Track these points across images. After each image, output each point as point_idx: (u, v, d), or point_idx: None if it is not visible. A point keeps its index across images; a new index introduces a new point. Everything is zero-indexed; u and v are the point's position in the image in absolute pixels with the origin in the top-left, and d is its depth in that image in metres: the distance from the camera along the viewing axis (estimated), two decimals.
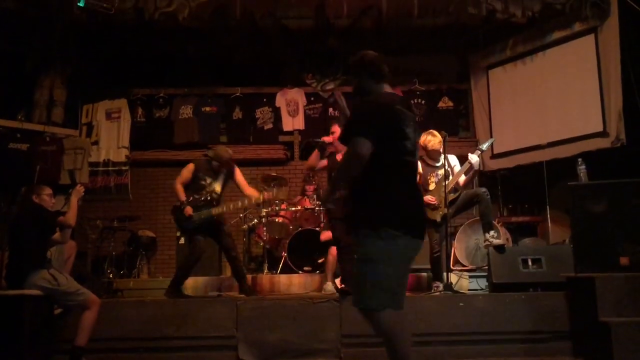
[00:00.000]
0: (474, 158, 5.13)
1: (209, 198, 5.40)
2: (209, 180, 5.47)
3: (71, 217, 4.44)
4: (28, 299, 4.14)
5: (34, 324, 4.20)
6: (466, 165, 5.22)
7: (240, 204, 5.54)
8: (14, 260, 4.33)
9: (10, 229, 4.47)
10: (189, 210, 5.29)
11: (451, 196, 5.17)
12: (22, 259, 4.25)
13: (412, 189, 2.87)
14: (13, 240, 4.41)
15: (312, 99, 8.41)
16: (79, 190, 4.63)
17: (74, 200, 4.56)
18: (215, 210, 5.38)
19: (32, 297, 4.16)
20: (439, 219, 5.22)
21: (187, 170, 5.48)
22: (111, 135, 8.19)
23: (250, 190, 5.51)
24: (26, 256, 4.24)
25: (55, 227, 4.44)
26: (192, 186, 5.44)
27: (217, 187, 5.50)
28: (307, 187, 7.16)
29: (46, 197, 4.52)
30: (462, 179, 5.32)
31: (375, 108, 2.78)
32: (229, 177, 5.60)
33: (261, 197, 5.48)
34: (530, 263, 4.98)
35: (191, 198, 5.35)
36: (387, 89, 2.91)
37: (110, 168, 8.09)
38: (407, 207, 2.76)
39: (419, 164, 5.45)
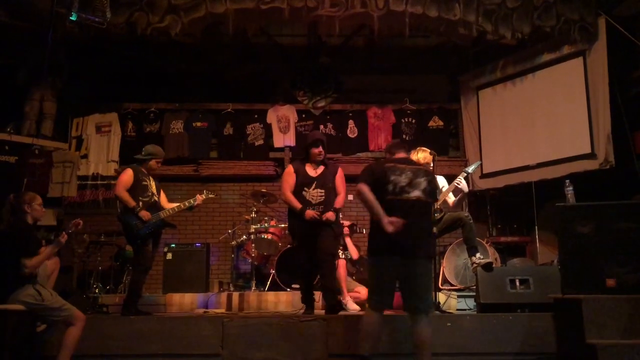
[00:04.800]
0: (462, 181, 5.18)
1: (153, 200, 5.32)
2: (148, 181, 5.37)
3: (36, 263, 4.18)
4: (10, 314, 4.07)
5: (16, 340, 4.13)
6: (452, 186, 5.26)
7: (182, 206, 5.50)
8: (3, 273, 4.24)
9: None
10: (146, 214, 5.16)
11: (436, 216, 5.18)
12: (6, 274, 4.16)
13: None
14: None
15: (304, 115, 8.44)
16: (62, 241, 4.34)
17: (50, 250, 4.32)
18: (163, 213, 5.32)
19: (14, 313, 4.09)
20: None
21: (127, 175, 5.30)
22: (101, 149, 8.15)
23: (167, 204, 5.55)
24: (11, 271, 4.16)
25: (38, 246, 4.34)
26: (137, 189, 5.27)
27: (154, 186, 5.43)
28: None
29: (37, 207, 4.41)
30: (452, 200, 5.34)
31: (368, 167, 4.17)
32: (157, 182, 5.56)
33: (191, 202, 5.51)
34: (518, 283, 4.97)
35: (141, 203, 5.21)
36: (400, 154, 4.14)
37: (99, 182, 8.04)
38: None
39: None
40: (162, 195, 5.61)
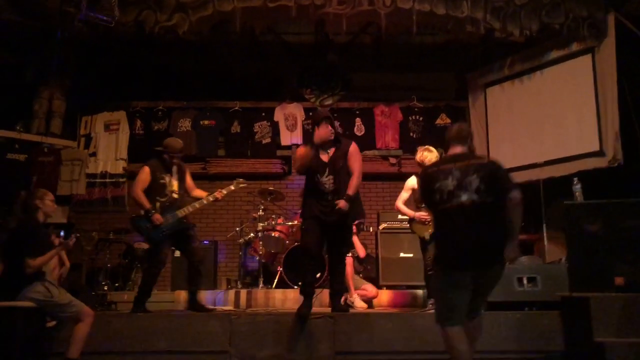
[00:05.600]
0: None
1: (172, 199, 5.22)
2: (167, 178, 5.28)
3: (40, 263, 4.23)
4: (20, 311, 4.11)
5: (26, 336, 4.17)
6: None
7: (204, 202, 5.36)
8: (9, 272, 4.27)
9: (8, 239, 4.40)
10: (158, 218, 5.08)
11: None
12: (17, 271, 4.19)
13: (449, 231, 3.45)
14: (9, 251, 4.33)
15: (311, 113, 8.41)
16: (70, 244, 4.45)
17: (55, 252, 4.43)
18: (180, 212, 5.20)
19: (24, 309, 4.13)
20: (427, 237, 5.24)
21: (144, 173, 5.24)
22: (109, 147, 8.18)
23: (198, 192, 5.41)
24: (21, 269, 4.18)
25: (45, 246, 4.36)
26: (154, 188, 5.22)
27: (175, 183, 5.30)
28: None
29: (49, 203, 4.44)
30: None
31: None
32: (182, 175, 5.40)
33: (217, 195, 5.35)
34: (525, 282, 4.95)
35: (158, 203, 5.17)
36: (454, 150, 3.59)
37: (107, 180, 8.07)
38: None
39: (415, 179, 5.48)
40: (188, 180, 5.43)
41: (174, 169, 5.37)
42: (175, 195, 5.29)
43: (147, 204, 5.13)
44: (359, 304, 5.94)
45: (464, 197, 3.36)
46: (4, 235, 4.52)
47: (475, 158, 3.54)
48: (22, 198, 4.43)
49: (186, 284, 5.50)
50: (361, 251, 6.65)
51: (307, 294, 4.80)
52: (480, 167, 3.42)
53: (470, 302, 3.39)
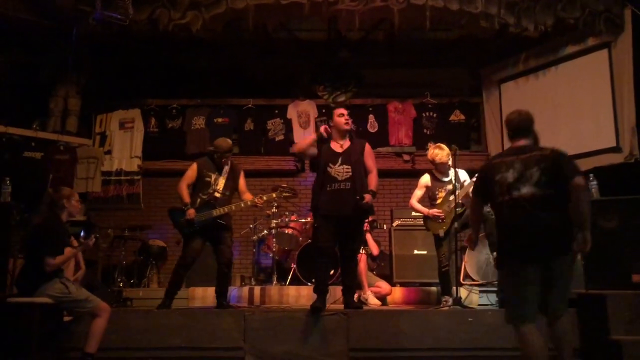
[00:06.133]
0: None
1: (214, 197, 5.23)
2: (213, 176, 5.31)
3: (59, 262, 4.29)
4: (38, 306, 4.17)
5: (43, 331, 4.24)
6: (472, 183, 5.22)
7: (242, 204, 5.37)
8: (29, 268, 4.33)
9: (30, 235, 4.46)
10: (191, 213, 5.12)
11: (458, 211, 5.16)
12: (37, 267, 4.24)
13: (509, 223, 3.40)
14: (30, 247, 4.38)
15: (324, 110, 8.43)
16: (89, 244, 4.55)
17: (75, 251, 4.55)
18: (216, 212, 5.19)
19: (41, 305, 4.18)
20: (441, 234, 5.22)
21: (191, 170, 5.34)
22: (124, 145, 8.26)
23: (245, 196, 5.40)
24: (40, 265, 4.22)
25: (63, 246, 4.42)
26: (198, 185, 5.30)
27: (221, 182, 5.31)
28: None
29: (75, 203, 4.51)
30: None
31: (479, 171, 3.76)
32: (233, 175, 5.41)
33: (256, 200, 5.31)
34: None
35: (198, 199, 5.23)
36: (518, 142, 3.57)
37: (122, 177, 8.16)
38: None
39: (428, 177, 5.47)
40: (241, 184, 5.43)
41: (225, 168, 5.40)
42: (217, 194, 5.29)
43: (186, 198, 5.21)
44: (373, 301, 5.93)
45: (524, 190, 3.32)
46: (27, 231, 4.60)
47: (539, 149, 3.48)
48: (49, 196, 4.49)
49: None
50: (374, 248, 6.64)
51: (321, 291, 4.80)
52: (543, 158, 3.38)
53: (544, 299, 3.29)
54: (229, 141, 5.52)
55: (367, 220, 6.67)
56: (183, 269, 5.28)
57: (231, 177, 5.41)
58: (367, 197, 4.69)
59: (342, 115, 4.94)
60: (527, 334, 3.23)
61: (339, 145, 4.91)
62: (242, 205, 5.37)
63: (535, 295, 3.26)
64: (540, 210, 3.26)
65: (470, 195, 3.59)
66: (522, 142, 3.55)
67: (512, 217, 3.34)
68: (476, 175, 3.75)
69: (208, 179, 5.31)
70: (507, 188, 3.36)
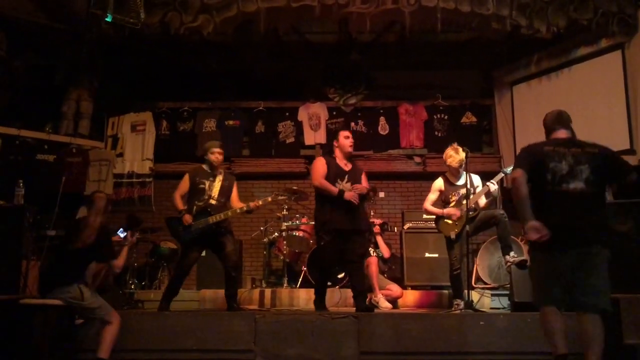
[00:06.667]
0: (492, 186, 5.15)
1: (209, 204, 5.24)
2: (207, 183, 5.33)
3: (120, 264, 4.55)
4: (50, 308, 4.20)
5: (55, 333, 4.26)
6: (485, 188, 5.22)
7: (237, 210, 5.37)
8: (56, 269, 4.37)
9: (66, 236, 4.50)
10: (187, 218, 5.16)
11: (470, 214, 5.15)
12: (64, 269, 4.27)
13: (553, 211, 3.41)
14: (63, 248, 4.41)
15: (334, 113, 8.44)
16: (133, 240, 4.91)
17: (126, 250, 4.73)
18: (212, 218, 5.20)
19: (53, 307, 4.21)
20: (453, 236, 5.20)
21: (183, 181, 5.39)
22: (136, 148, 8.30)
23: (235, 204, 5.42)
24: (69, 268, 4.26)
25: (107, 259, 4.52)
26: (193, 193, 5.32)
27: (216, 189, 5.32)
28: None
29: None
30: (483, 202, 5.29)
31: (526, 149, 3.68)
32: (228, 183, 5.43)
33: (251, 205, 5.35)
34: None
35: (194, 207, 5.23)
36: (560, 134, 3.63)
37: (134, 180, 8.20)
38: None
39: (441, 181, 5.45)
40: (234, 193, 5.47)
41: (220, 177, 5.42)
42: (212, 201, 5.30)
43: (180, 206, 5.27)
44: (384, 304, 5.91)
45: (573, 185, 3.42)
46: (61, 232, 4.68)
47: (589, 146, 3.56)
48: (104, 201, 4.55)
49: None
50: (385, 251, 6.62)
51: (320, 293, 5.21)
52: (593, 157, 3.48)
53: (575, 288, 3.37)
54: (215, 142, 5.62)
55: (378, 224, 6.69)
56: (179, 279, 5.32)
57: (226, 185, 5.43)
58: (360, 187, 5.08)
59: (348, 137, 5.23)
60: (548, 314, 3.43)
61: (345, 165, 5.21)
62: (238, 211, 5.38)
63: (564, 282, 3.38)
64: (582, 205, 3.40)
65: (509, 175, 3.79)
66: (564, 134, 3.63)
67: (555, 207, 3.42)
68: (522, 150, 3.73)
69: (202, 186, 5.33)
70: (560, 179, 3.44)
